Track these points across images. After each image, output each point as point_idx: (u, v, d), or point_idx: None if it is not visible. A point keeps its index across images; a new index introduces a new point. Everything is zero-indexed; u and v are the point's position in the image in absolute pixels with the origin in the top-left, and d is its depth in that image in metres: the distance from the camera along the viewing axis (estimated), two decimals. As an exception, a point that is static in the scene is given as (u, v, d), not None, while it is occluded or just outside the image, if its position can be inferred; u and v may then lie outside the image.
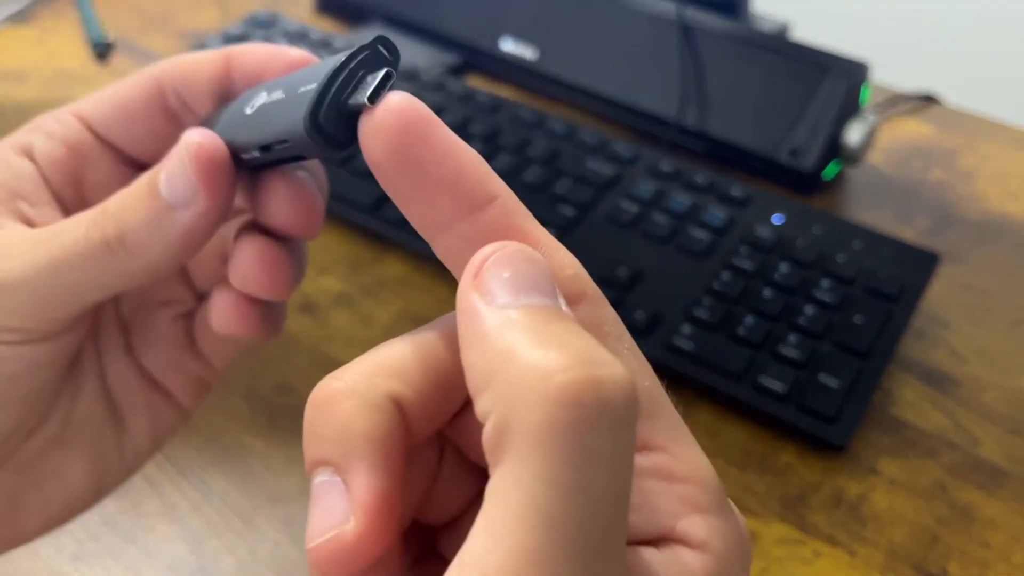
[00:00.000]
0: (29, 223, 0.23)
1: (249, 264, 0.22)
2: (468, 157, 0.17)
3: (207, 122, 0.23)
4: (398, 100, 0.16)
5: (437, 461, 0.18)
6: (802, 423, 0.39)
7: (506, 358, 0.14)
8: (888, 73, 0.62)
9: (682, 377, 0.41)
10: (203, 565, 0.36)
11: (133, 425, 0.25)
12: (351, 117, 0.18)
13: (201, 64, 0.23)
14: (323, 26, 0.67)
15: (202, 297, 0.26)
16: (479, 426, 0.15)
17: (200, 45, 0.62)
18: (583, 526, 0.13)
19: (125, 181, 0.24)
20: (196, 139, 0.21)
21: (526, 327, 0.14)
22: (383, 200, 0.49)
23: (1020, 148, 0.56)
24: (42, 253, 0.21)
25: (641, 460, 0.16)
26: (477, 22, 0.62)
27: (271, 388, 0.43)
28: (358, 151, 0.17)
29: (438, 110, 0.54)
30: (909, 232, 0.50)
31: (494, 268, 0.15)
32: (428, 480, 0.18)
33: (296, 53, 0.22)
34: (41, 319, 0.21)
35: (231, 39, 0.62)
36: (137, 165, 0.25)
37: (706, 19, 0.56)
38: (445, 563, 0.18)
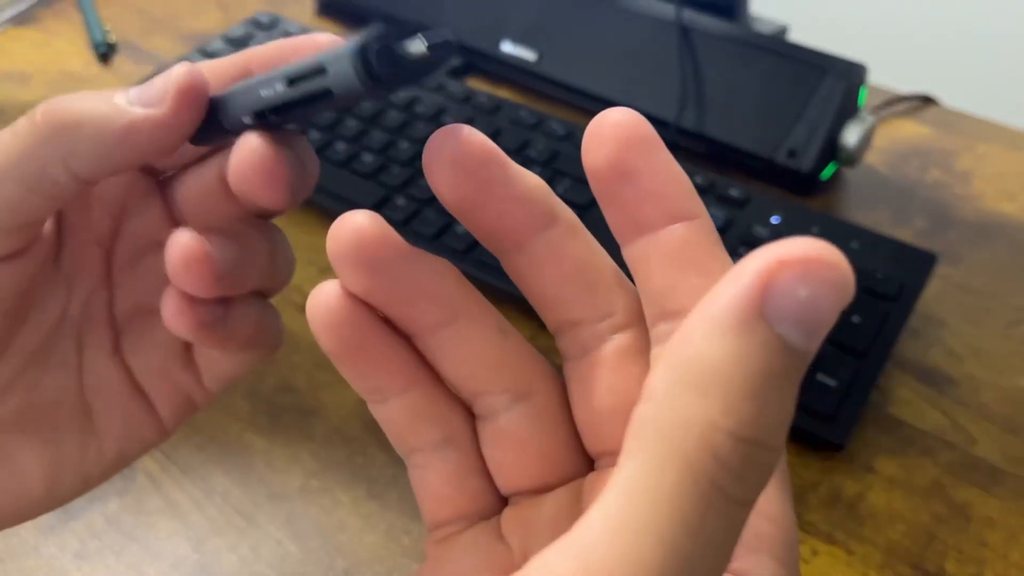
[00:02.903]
0: None
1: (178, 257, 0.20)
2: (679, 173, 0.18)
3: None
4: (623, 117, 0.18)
5: None
6: (800, 422, 0.39)
7: (765, 393, 0.13)
8: (885, 74, 0.62)
9: (681, 376, 0.41)
10: (205, 563, 0.37)
11: (102, 428, 0.24)
12: (399, 63, 0.18)
13: (220, 67, 0.22)
14: (324, 28, 0.67)
15: None
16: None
17: (202, 47, 0.62)
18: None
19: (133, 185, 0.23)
20: (186, 66, 0.20)
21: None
22: (384, 200, 0.50)
23: (1017, 148, 0.56)
24: None
25: None
26: (477, 25, 0.62)
27: (272, 387, 0.43)
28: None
29: (439, 111, 0.54)
30: (906, 232, 0.51)
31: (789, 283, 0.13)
32: None
33: (321, 37, 0.21)
34: None
35: (232, 41, 0.62)
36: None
37: (704, 21, 0.56)
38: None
